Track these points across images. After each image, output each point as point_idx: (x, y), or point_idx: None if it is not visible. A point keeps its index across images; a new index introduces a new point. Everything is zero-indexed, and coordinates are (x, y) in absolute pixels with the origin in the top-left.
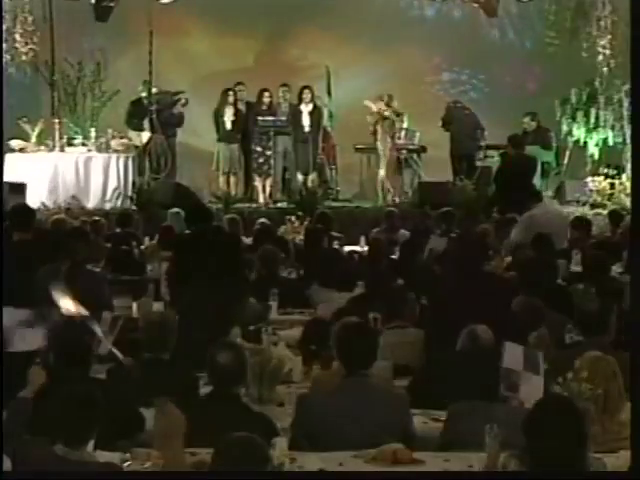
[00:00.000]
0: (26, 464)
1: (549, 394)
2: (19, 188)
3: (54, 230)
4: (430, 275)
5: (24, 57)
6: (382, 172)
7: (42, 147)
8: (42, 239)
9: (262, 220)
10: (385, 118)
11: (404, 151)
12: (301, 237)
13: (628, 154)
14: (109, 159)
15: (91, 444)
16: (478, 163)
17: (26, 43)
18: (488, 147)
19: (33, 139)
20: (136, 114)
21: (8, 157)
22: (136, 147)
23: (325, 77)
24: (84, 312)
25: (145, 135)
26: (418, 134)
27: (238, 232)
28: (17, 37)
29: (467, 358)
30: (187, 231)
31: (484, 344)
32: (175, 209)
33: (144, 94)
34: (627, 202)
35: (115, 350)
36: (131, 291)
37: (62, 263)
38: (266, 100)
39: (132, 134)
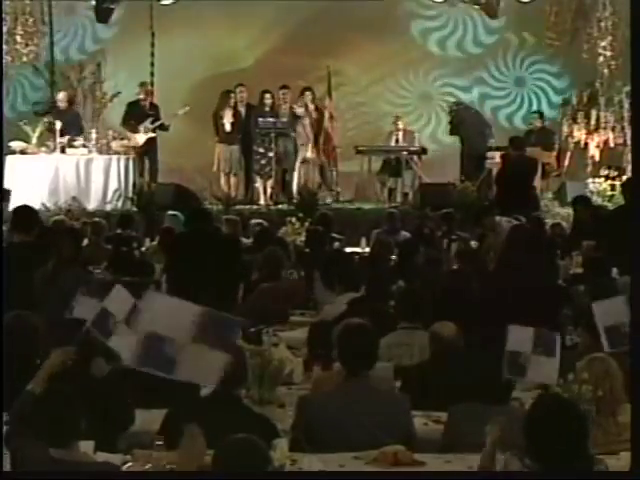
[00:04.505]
0: (23, 466)
1: (547, 395)
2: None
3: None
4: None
5: (25, 58)
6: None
7: (43, 148)
8: (38, 240)
9: (259, 221)
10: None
11: (404, 152)
12: (302, 239)
13: (629, 155)
14: (110, 160)
15: (91, 445)
16: (487, 163)
17: (27, 44)
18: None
19: (34, 141)
20: (133, 116)
21: (9, 159)
22: (133, 148)
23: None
24: None
25: (140, 137)
26: (417, 135)
27: (237, 233)
28: (18, 38)
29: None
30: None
31: (449, 343)
32: (172, 211)
33: (141, 96)
34: None
35: None
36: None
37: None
38: (267, 102)
39: (129, 135)
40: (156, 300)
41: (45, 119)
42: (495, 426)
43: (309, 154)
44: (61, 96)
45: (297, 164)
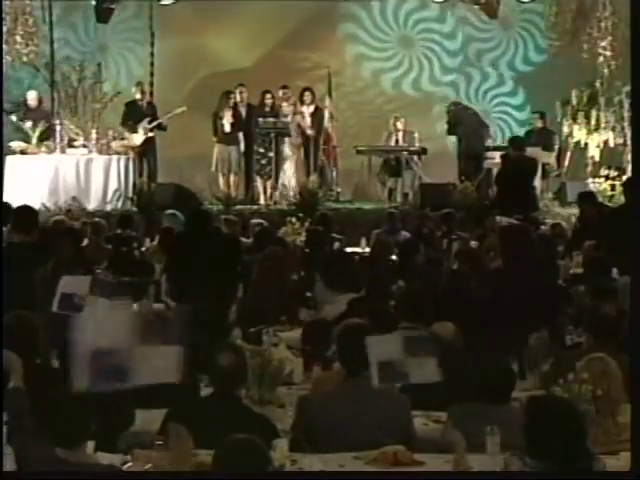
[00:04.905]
0: (28, 465)
1: (542, 395)
2: None
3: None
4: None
5: (25, 58)
6: (290, 171)
7: (43, 149)
8: (38, 240)
9: (259, 221)
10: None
11: (404, 152)
12: (302, 239)
13: (629, 156)
14: (110, 160)
15: (91, 445)
16: (487, 163)
17: (27, 44)
18: (493, 149)
19: (34, 141)
20: (130, 116)
21: (9, 159)
22: (132, 148)
23: (327, 78)
24: None
25: (138, 137)
26: (417, 135)
27: (236, 233)
28: (18, 38)
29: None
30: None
31: (448, 343)
32: (171, 210)
33: (138, 96)
34: None
35: None
36: (131, 293)
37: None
38: (268, 102)
39: (127, 135)
40: (93, 312)
41: (14, 117)
42: (452, 435)
43: (301, 153)
44: (32, 95)
45: (287, 164)
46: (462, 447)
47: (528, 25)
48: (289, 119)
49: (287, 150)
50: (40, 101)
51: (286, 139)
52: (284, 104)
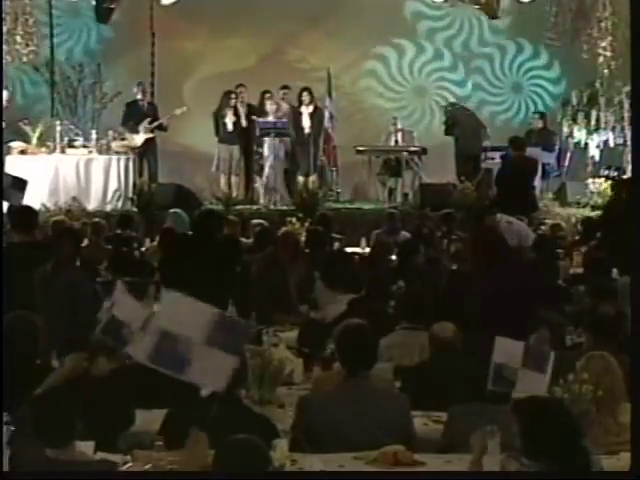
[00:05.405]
0: (20, 466)
1: (535, 397)
2: (20, 184)
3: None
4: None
5: (25, 58)
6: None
7: (43, 149)
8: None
9: (260, 221)
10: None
11: (404, 152)
12: (302, 239)
13: (629, 156)
14: (110, 161)
15: (90, 445)
16: (487, 163)
17: (27, 44)
18: (492, 149)
19: (34, 141)
20: (131, 116)
21: (9, 159)
22: (132, 149)
23: (326, 79)
24: None
25: (139, 137)
26: (415, 134)
27: (236, 233)
28: (18, 39)
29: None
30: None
31: (448, 343)
32: (174, 209)
33: (139, 96)
34: None
35: None
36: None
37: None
38: (268, 102)
39: (127, 136)
40: (172, 299)
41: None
42: (480, 437)
43: (282, 153)
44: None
45: (268, 163)
46: (480, 450)
47: None
48: (270, 118)
49: (267, 150)
50: (9, 100)
51: (266, 139)
52: (267, 103)
